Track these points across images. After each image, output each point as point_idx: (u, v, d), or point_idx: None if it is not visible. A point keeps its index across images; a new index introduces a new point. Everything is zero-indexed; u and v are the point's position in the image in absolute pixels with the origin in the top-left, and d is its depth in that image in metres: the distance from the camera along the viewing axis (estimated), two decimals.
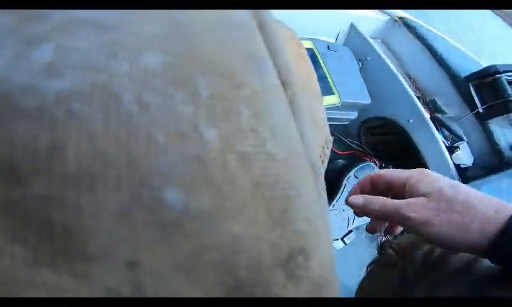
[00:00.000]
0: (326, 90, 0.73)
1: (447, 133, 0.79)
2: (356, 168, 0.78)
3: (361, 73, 0.82)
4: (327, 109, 0.73)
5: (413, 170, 0.29)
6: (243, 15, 0.16)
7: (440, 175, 0.28)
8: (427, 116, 0.76)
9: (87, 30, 0.12)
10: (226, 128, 0.12)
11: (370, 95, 0.80)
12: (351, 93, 0.76)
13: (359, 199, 0.30)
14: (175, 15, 0.14)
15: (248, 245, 0.11)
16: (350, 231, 0.76)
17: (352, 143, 0.90)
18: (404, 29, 0.95)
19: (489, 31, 4.49)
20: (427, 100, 0.89)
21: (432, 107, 0.87)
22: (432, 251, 0.32)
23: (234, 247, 0.11)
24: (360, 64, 0.86)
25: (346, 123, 0.85)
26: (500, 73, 0.76)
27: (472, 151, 0.81)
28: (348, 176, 0.76)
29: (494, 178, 0.72)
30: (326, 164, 0.30)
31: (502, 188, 0.72)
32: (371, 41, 0.86)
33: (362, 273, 0.39)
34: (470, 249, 0.25)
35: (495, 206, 0.24)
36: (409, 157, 0.82)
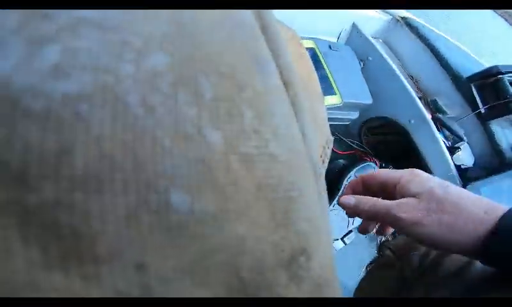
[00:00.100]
0: (328, 90, 0.72)
1: (447, 133, 0.78)
2: (357, 168, 0.78)
3: (362, 73, 0.82)
4: (328, 109, 0.72)
5: (404, 170, 0.29)
6: (246, 16, 0.16)
7: (430, 175, 0.28)
8: (428, 116, 0.76)
9: (93, 30, 0.12)
10: (229, 129, 0.12)
11: (371, 95, 0.79)
12: (353, 93, 0.76)
13: (350, 199, 0.30)
14: (179, 15, 0.14)
15: (251, 247, 0.11)
16: (350, 231, 0.76)
17: (353, 143, 0.90)
18: (406, 29, 0.94)
19: (489, 31, 4.46)
20: (429, 100, 0.89)
21: (434, 107, 0.87)
22: (428, 253, 0.32)
23: (238, 249, 0.11)
24: (362, 64, 0.86)
25: (347, 123, 0.85)
26: (503, 74, 0.76)
27: (472, 152, 0.81)
28: (349, 176, 0.76)
29: (495, 178, 0.71)
30: (326, 164, 0.30)
31: (502, 189, 0.72)
32: (373, 41, 0.86)
33: (361, 273, 0.40)
34: (461, 249, 0.25)
35: (486, 207, 0.24)
36: (410, 157, 0.82)
